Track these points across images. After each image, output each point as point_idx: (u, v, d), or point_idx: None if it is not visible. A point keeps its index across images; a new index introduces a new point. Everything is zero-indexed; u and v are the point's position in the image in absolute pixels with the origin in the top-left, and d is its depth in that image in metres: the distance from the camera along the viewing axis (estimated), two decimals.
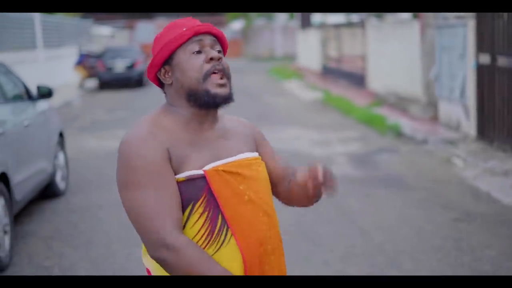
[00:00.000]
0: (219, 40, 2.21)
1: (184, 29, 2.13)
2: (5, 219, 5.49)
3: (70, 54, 25.16)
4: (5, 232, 5.47)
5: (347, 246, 5.65)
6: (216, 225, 2.07)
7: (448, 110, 11.08)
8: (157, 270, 2.12)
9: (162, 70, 2.17)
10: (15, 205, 5.89)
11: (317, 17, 31.27)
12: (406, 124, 11.68)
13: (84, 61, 23.69)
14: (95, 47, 30.22)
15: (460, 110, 10.47)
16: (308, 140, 11.02)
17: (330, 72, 23.11)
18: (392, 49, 15.28)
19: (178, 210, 2.03)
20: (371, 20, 18.24)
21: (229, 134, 2.23)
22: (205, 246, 2.06)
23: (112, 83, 23.81)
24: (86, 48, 24.64)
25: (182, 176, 2.06)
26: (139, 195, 2.02)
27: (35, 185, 6.67)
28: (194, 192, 2.06)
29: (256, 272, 2.11)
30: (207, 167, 2.09)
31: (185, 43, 2.13)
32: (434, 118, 11.99)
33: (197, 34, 2.14)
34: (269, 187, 2.26)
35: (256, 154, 2.25)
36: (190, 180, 2.06)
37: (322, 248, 5.66)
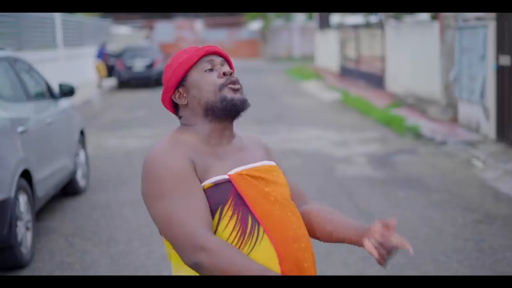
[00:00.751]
0: (227, 61, 2.31)
1: (194, 50, 2.23)
2: (27, 215, 5.55)
3: (90, 54, 25.31)
4: (27, 228, 5.53)
5: None
6: (247, 226, 2.09)
7: (468, 111, 11.03)
8: (181, 267, 2.13)
9: (177, 93, 2.24)
10: (37, 201, 5.95)
11: (335, 18, 31.23)
12: (425, 125, 11.65)
13: (105, 57, 23.80)
14: (114, 47, 30.39)
15: (480, 112, 10.42)
16: (328, 140, 11.01)
17: (348, 73, 23.08)
18: (411, 50, 15.23)
19: (208, 214, 2.06)
20: (389, 21, 18.19)
21: (246, 147, 2.30)
22: (239, 247, 2.08)
23: (131, 82, 23.95)
24: (106, 47, 24.76)
25: (208, 182, 2.11)
26: (168, 204, 2.05)
27: (56, 182, 6.73)
28: (221, 196, 2.09)
29: (293, 269, 2.12)
30: (231, 172, 2.14)
31: (197, 63, 2.22)
32: (454, 120, 11.94)
33: (207, 54, 2.24)
34: (289, 193, 2.29)
35: (273, 163, 2.31)
36: (217, 185, 2.10)
37: (342, 248, 5.66)
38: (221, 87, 2.19)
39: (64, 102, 7.54)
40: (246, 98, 2.23)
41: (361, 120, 13.56)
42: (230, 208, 2.09)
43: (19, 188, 5.35)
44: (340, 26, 25.58)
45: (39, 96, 6.90)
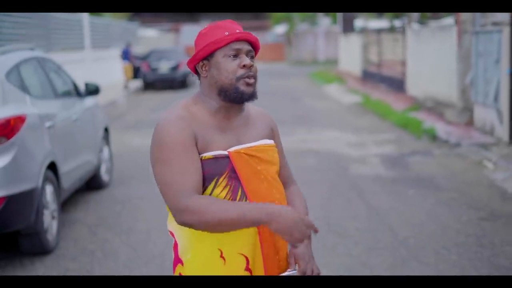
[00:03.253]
0: (254, 45, 2.55)
1: (226, 33, 2.47)
2: (53, 205, 5.93)
3: (117, 55, 25.82)
4: (53, 217, 5.91)
5: (372, 240, 5.94)
6: (236, 197, 2.42)
7: (483, 114, 11.25)
8: (180, 231, 2.47)
9: (201, 64, 2.51)
10: (62, 192, 6.32)
11: (359, 22, 31.42)
12: (441, 128, 11.87)
13: (131, 58, 24.29)
14: (140, 49, 30.89)
15: (494, 115, 10.64)
16: (345, 142, 11.29)
17: (370, 76, 23.29)
18: (430, 54, 15.44)
19: (198, 181, 2.37)
20: (411, 25, 18.39)
21: (251, 122, 2.60)
22: None
23: (156, 83, 24.40)
24: (131, 48, 25.23)
25: (209, 154, 2.42)
26: (166, 169, 2.37)
27: (81, 175, 7.11)
28: (218, 168, 2.42)
29: (269, 239, 2.45)
30: (231, 149, 2.45)
31: (225, 46, 2.46)
32: (470, 123, 12.15)
33: (236, 40, 2.47)
34: (278, 172, 2.62)
35: (272, 142, 2.62)
36: (216, 158, 2.42)
37: (348, 240, 5.95)
38: (238, 78, 2.44)
39: (90, 101, 7.92)
40: (256, 91, 2.50)
41: (379, 123, 13.81)
42: (225, 179, 2.41)
43: (46, 179, 5.73)
44: (363, 30, 25.80)
45: (66, 94, 7.28)
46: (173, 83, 24.30)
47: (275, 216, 2.28)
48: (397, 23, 24.19)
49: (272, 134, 2.67)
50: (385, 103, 16.42)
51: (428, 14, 28.67)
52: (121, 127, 13.92)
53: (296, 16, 43.19)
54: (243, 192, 2.43)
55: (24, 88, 5.89)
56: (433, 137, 11.39)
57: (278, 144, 2.69)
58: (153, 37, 39.33)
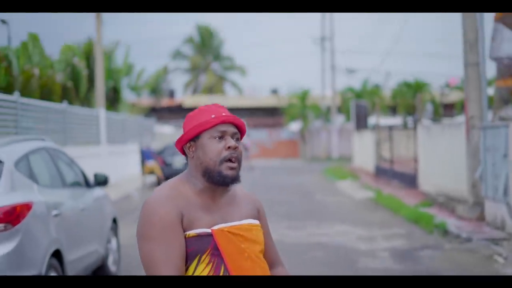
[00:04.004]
0: (239, 128, 2.64)
1: (212, 116, 2.57)
2: None
3: (132, 150, 26.18)
4: None
5: None
6: (219, 273, 2.48)
7: (493, 209, 11.21)
8: None
9: (188, 145, 2.62)
10: None
11: (372, 119, 31.79)
12: (452, 223, 11.81)
13: (155, 156, 24.56)
14: (155, 145, 31.31)
15: (504, 209, 10.60)
16: (354, 236, 11.25)
17: (383, 172, 23.37)
18: (441, 150, 15.55)
19: (181, 262, 2.43)
20: (422, 121, 18.61)
21: (237, 202, 2.67)
22: None
23: (171, 178, 24.56)
24: (147, 144, 25.61)
25: (193, 232, 2.49)
26: (151, 246, 2.44)
27: (87, 265, 7.12)
28: (201, 246, 2.48)
29: None
30: (215, 227, 2.52)
31: (211, 128, 2.57)
32: (481, 218, 12.08)
33: (222, 123, 2.57)
34: (263, 251, 2.67)
35: (257, 222, 2.68)
36: (199, 236, 2.48)
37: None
38: (222, 161, 2.53)
39: (99, 191, 8.03)
40: (238, 175, 2.58)
41: (390, 218, 13.77)
42: (207, 256, 2.47)
43: (50, 267, 5.76)
44: (376, 127, 26.11)
45: (75, 184, 7.40)
46: None
47: None
48: (410, 120, 24.48)
49: (258, 215, 2.73)
50: (397, 199, 16.40)
51: (442, 111, 28.97)
52: (132, 220, 13.95)
53: (310, 113, 43.80)
54: (225, 268, 2.48)
55: (32, 176, 6.01)
56: (444, 231, 11.32)
57: (264, 226, 2.74)
58: (169, 133, 39.94)
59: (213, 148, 2.54)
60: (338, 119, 45.61)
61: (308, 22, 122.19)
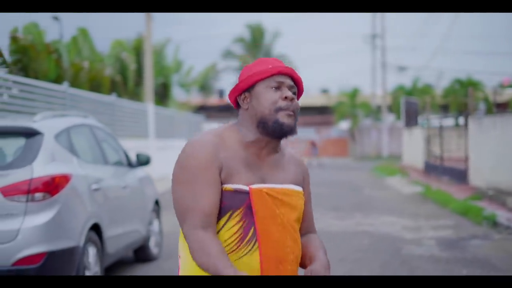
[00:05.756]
0: (297, 84, 2.51)
1: (270, 66, 2.44)
2: (95, 267, 5.93)
3: (180, 146, 26.31)
4: None
5: None
6: (247, 236, 2.34)
7: None
8: (185, 258, 2.42)
9: (242, 96, 2.48)
10: (106, 257, 6.33)
11: (422, 118, 31.28)
12: (502, 215, 11.49)
13: None
14: None
15: None
16: (401, 226, 11.04)
17: (433, 169, 22.96)
18: (493, 143, 15.17)
19: (211, 212, 2.31)
20: (474, 114, 18.21)
21: (282, 165, 2.50)
22: (232, 251, 2.35)
23: None
24: None
25: (231, 186, 2.35)
26: (185, 191, 2.33)
27: (128, 243, 7.12)
28: (235, 202, 2.34)
29: (271, 271, 2.37)
30: (253, 186, 2.37)
31: (267, 78, 2.44)
32: None
33: (279, 73, 2.44)
34: (300, 219, 2.53)
35: (300, 189, 2.52)
36: (236, 191, 2.35)
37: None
38: (278, 109, 2.39)
39: (141, 172, 8.04)
40: (295, 126, 2.43)
41: (438, 210, 13.50)
42: (239, 215, 2.35)
43: (88, 240, 5.77)
44: (426, 123, 25.69)
45: (117, 162, 7.42)
46: None
47: None
48: (461, 119, 24.01)
49: (303, 182, 2.58)
50: (446, 193, 16.08)
51: (494, 110, 28.44)
52: None
53: (360, 111, 43.44)
54: (254, 231, 2.35)
55: (72, 150, 6.03)
56: (493, 223, 11.02)
57: (306, 193, 2.60)
58: None
59: (269, 97, 2.40)
60: (389, 118, 45.10)
61: (359, 19, 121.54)
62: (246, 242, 2.34)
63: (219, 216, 2.35)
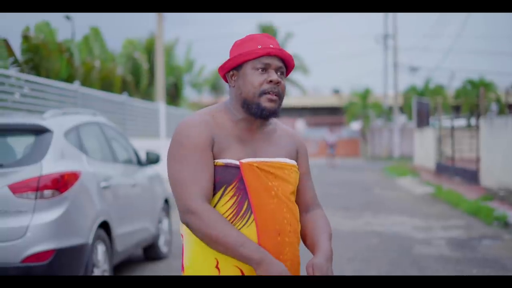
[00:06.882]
0: (286, 63, 2.52)
1: (259, 46, 2.46)
2: (105, 265, 5.95)
3: None
4: None
5: None
6: (241, 209, 2.39)
7: None
8: (187, 236, 2.44)
9: (230, 73, 2.52)
10: (116, 254, 6.35)
11: (434, 119, 31.17)
12: None
13: None
14: None
15: None
16: (411, 226, 11.01)
17: (444, 169, 22.87)
18: (504, 144, 15.09)
19: (208, 185, 2.36)
20: (486, 114, 18.13)
21: (274, 139, 2.56)
22: None
23: None
24: None
25: (221, 161, 2.41)
26: (179, 167, 2.38)
27: (137, 241, 7.14)
28: (227, 177, 2.40)
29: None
30: (243, 160, 2.42)
31: (255, 59, 2.46)
32: None
33: (267, 55, 2.46)
34: (295, 192, 2.55)
35: (293, 162, 2.56)
36: (227, 166, 2.40)
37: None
38: (262, 93, 2.43)
39: (151, 170, 8.05)
40: (278, 109, 2.46)
41: (449, 210, 13.45)
42: (232, 189, 2.39)
43: (97, 237, 5.79)
44: (437, 124, 25.59)
45: (126, 160, 7.44)
46: None
47: (265, 263, 2.25)
48: (473, 120, 23.91)
49: (297, 155, 2.61)
50: (457, 193, 16.01)
51: (507, 112, 28.19)
52: None
53: (371, 112, 43.32)
54: (249, 205, 2.39)
55: (81, 148, 6.05)
56: (504, 223, 10.97)
57: (302, 166, 2.63)
58: None
59: (254, 79, 2.44)
60: (400, 118, 44.95)
61: (371, 19, 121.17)
62: (241, 216, 2.38)
63: (214, 191, 2.40)
